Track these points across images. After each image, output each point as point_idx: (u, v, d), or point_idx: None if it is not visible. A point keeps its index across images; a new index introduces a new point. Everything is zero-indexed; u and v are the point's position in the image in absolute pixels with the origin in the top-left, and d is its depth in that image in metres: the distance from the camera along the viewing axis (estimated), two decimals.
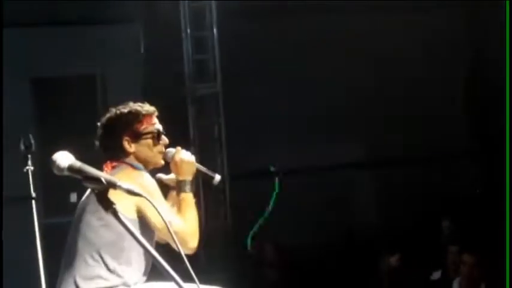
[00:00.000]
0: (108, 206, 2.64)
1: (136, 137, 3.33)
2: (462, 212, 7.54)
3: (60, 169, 2.70)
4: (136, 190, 2.72)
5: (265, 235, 7.12)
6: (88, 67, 6.83)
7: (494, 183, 7.85)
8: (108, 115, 3.41)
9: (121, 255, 3.19)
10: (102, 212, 3.07)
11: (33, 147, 3.62)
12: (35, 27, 7.07)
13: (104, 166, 3.34)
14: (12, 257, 6.42)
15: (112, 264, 3.18)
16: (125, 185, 2.66)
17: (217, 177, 3.40)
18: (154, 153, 3.35)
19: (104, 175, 2.65)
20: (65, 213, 6.34)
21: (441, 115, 8.20)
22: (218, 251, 6.74)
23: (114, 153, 3.34)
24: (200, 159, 7.01)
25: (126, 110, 3.38)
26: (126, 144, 3.32)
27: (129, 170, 3.29)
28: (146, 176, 3.27)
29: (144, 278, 3.29)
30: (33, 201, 3.44)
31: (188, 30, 7.20)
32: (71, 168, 2.69)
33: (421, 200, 7.75)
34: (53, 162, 2.73)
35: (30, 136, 3.68)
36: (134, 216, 3.18)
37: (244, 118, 7.50)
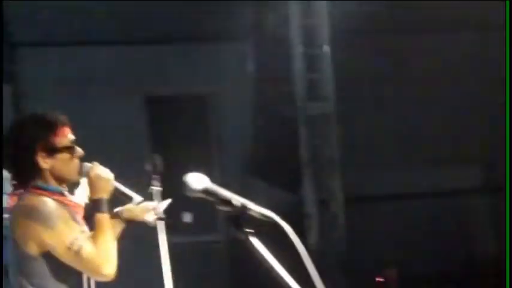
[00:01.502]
0: (238, 230, 2.51)
1: (52, 151, 2.89)
2: None
3: (193, 191, 2.61)
4: (271, 215, 2.57)
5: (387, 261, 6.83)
6: (200, 86, 6.81)
7: None
8: (15, 126, 2.97)
9: None
10: None
11: (161, 168, 3.54)
12: (148, 45, 7.12)
13: (10, 197, 3.01)
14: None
15: None
16: (258, 208, 2.53)
17: (137, 199, 3.10)
18: (71, 168, 2.93)
19: (236, 198, 2.53)
20: (178, 234, 6.36)
21: None
22: (334, 275, 6.52)
23: (25, 173, 2.90)
24: (314, 180, 6.97)
25: (38, 120, 2.94)
26: (40, 160, 2.87)
27: (33, 195, 2.85)
28: (43, 201, 2.83)
29: None
30: (162, 223, 3.35)
31: (300, 48, 7.08)
32: (203, 191, 2.59)
33: None
34: (186, 184, 2.64)
35: (157, 157, 3.59)
36: (36, 251, 2.81)
37: (358, 139, 7.29)
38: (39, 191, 2.87)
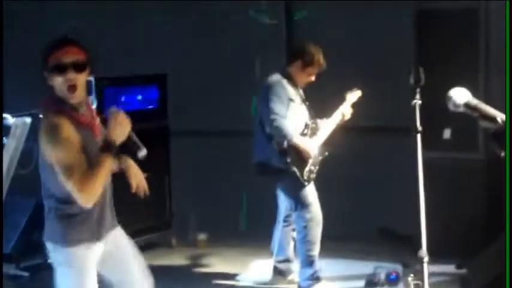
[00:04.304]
0: (500, 147, 2.50)
1: (47, 70, 3.24)
2: None
3: (456, 105, 2.66)
4: None
5: None
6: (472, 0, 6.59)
7: None
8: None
9: None
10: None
11: (423, 81, 3.58)
12: None
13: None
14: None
15: None
16: None
17: (143, 152, 3.28)
18: (62, 87, 3.22)
19: (500, 115, 2.53)
20: (436, 149, 6.38)
21: None
22: None
23: (48, 89, 3.29)
24: None
25: (48, 43, 3.29)
26: (46, 78, 3.25)
27: (53, 115, 3.22)
28: (56, 122, 3.16)
29: None
30: (419, 135, 3.41)
31: None
32: (467, 105, 2.63)
33: None
34: (450, 98, 2.69)
35: (421, 70, 3.63)
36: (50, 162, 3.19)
37: None
38: (56, 108, 3.23)
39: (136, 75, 7.25)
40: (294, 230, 5.93)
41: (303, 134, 5.66)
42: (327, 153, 5.81)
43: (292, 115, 5.58)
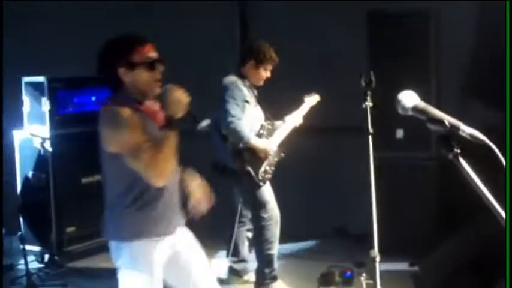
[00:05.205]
0: (448, 150, 2.56)
1: (131, 66, 3.33)
2: None
3: (405, 109, 2.69)
4: (481, 136, 2.61)
5: None
6: (423, 1, 6.69)
7: None
8: (104, 46, 3.42)
9: None
10: None
11: (373, 84, 3.64)
12: None
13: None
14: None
15: None
16: (468, 129, 2.57)
17: (203, 123, 3.42)
18: (150, 81, 3.36)
19: (447, 118, 2.58)
20: (390, 149, 6.48)
21: None
22: None
23: (111, 86, 3.39)
24: None
25: (121, 39, 3.41)
26: (121, 73, 3.34)
27: (112, 106, 3.30)
28: (116, 109, 3.25)
29: None
30: (370, 137, 3.47)
31: None
32: (415, 109, 2.67)
33: None
34: (399, 102, 2.72)
35: (372, 73, 3.69)
36: (113, 151, 3.23)
37: None
38: (118, 102, 3.31)
39: (90, 76, 7.18)
40: (249, 230, 5.96)
41: (258, 135, 5.70)
42: (283, 155, 5.85)
43: (248, 116, 5.61)
